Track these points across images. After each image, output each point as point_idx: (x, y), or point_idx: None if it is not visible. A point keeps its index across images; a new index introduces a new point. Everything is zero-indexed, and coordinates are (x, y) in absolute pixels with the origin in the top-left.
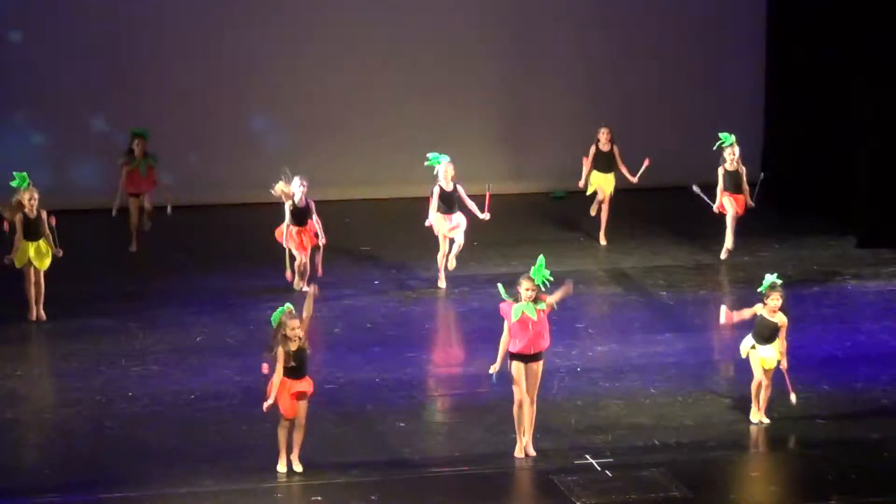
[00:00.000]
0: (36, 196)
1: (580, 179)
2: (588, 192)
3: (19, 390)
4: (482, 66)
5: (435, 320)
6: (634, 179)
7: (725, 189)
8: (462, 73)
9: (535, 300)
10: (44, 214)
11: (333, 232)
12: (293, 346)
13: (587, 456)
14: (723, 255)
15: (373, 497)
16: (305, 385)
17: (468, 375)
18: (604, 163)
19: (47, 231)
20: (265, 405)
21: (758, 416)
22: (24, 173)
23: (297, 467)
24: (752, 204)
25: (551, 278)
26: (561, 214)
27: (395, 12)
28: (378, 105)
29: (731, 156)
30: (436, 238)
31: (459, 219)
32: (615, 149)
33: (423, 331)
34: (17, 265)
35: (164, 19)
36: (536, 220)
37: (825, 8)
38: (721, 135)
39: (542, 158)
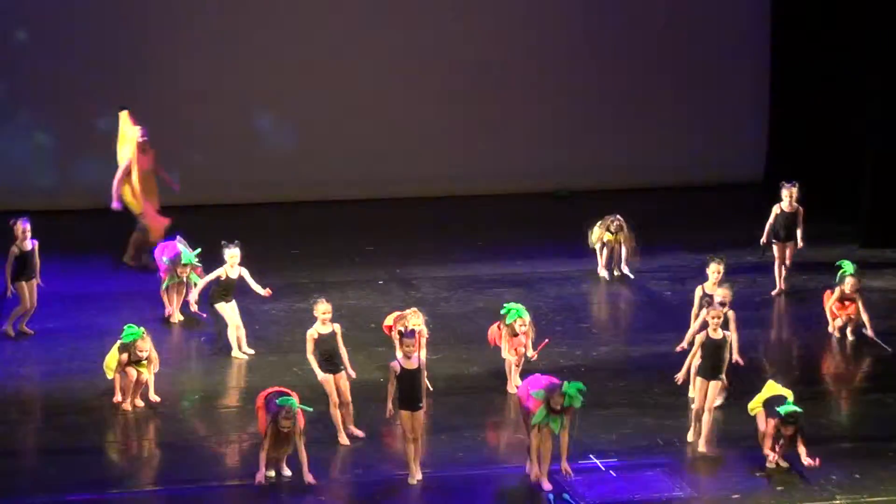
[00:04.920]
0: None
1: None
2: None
3: None
4: (485, 67)
5: (438, 320)
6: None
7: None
8: (466, 73)
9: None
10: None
11: (339, 233)
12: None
13: (591, 456)
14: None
15: (377, 496)
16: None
17: (471, 376)
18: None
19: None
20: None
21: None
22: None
23: (286, 471)
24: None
25: (583, 397)
26: (564, 214)
27: (399, 15)
28: (382, 106)
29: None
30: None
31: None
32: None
33: (427, 331)
34: None
35: (168, 19)
36: (539, 220)
37: (830, 7)
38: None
39: (545, 158)
